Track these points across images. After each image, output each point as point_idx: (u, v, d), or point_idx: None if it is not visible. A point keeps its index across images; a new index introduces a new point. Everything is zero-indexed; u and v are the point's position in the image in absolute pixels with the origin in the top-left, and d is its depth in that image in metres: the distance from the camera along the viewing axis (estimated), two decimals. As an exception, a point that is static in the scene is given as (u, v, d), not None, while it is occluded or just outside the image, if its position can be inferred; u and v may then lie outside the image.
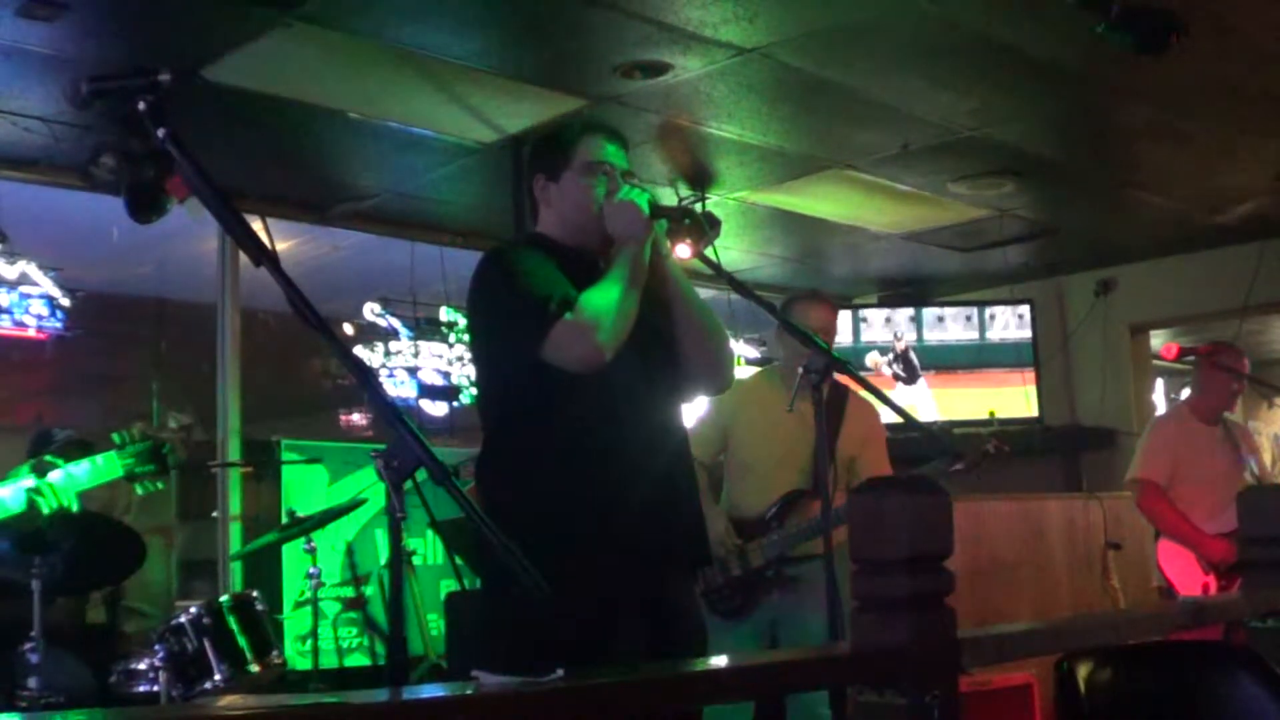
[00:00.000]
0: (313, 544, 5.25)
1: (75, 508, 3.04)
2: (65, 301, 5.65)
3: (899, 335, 7.06)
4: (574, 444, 2.52)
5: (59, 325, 5.65)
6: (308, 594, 5.29)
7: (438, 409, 7.04)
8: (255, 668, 4.15)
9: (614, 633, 2.41)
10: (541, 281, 2.50)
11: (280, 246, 1.85)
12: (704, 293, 2.90)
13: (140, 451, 3.10)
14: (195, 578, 6.81)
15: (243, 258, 1.85)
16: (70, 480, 2.99)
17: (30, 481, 2.94)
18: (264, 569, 5.95)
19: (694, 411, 4.23)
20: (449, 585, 6.18)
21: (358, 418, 8.35)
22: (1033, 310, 7.30)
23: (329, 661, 5.85)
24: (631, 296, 2.49)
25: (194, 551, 7.05)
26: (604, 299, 2.46)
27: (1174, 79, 4.67)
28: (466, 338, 6.09)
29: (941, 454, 4.04)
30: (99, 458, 3.06)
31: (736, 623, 4.00)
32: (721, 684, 1.67)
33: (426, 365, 7.00)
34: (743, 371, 7.85)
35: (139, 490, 3.18)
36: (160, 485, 3.16)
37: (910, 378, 6.99)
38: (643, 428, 2.57)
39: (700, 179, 5.76)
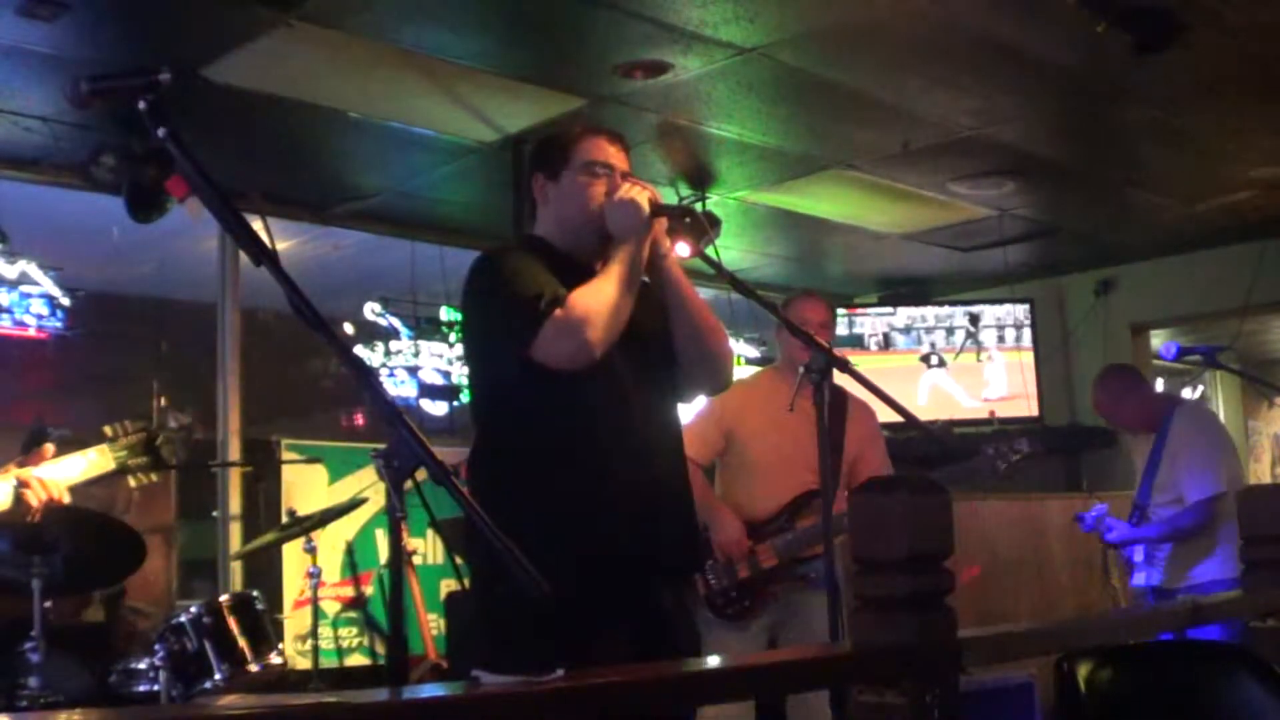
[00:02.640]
0: (313, 544, 5.25)
1: (65, 501, 3.02)
2: (65, 301, 5.65)
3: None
4: (565, 446, 2.52)
5: (59, 325, 5.65)
6: (308, 594, 5.29)
7: (438, 408, 7.05)
8: (255, 667, 4.15)
9: (598, 636, 2.40)
10: (532, 280, 2.50)
11: (280, 246, 1.85)
12: (704, 292, 2.90)
13: (133, 444, 3.09)
14: (195, 578, 6.81)
15: (243, 257, 1.85)
16: (59, 474, 2.98)
17: (16, 475, 2.92)
18: (264, 569, 5.95)
19: (691, 412, 4.23)
20: (449, 585, 6.18)
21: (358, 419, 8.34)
22: (1033, 310, 7.29)
23: (329, 661, 5.86)
24: (624, 295, 2.49)
25: (194, 551, 7.04)
26: (595, 296, 2.46)
27: (1174, 79, 4.67)
28: (462, 337, 6.08)
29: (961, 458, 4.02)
30: (91, 451, 3.05)
31: (742, 625, 3.99)
32: (722, 684, 1.67)
33: (427, 365, 7.00)
34: (742, 371, 7.88)
35: (132, 483, 3.16)
36: (154, 478, 3.14)
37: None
38: (636, 430, 2.56)
39: (700, 179, 5.76)
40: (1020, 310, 7.31)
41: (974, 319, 7.24)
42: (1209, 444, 4.59)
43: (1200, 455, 4.57)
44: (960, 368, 7.21)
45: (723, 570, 3.96)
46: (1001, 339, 7.28)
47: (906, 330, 7.27)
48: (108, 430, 3.10)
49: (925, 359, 7.19)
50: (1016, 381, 7.21)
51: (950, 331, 7.26)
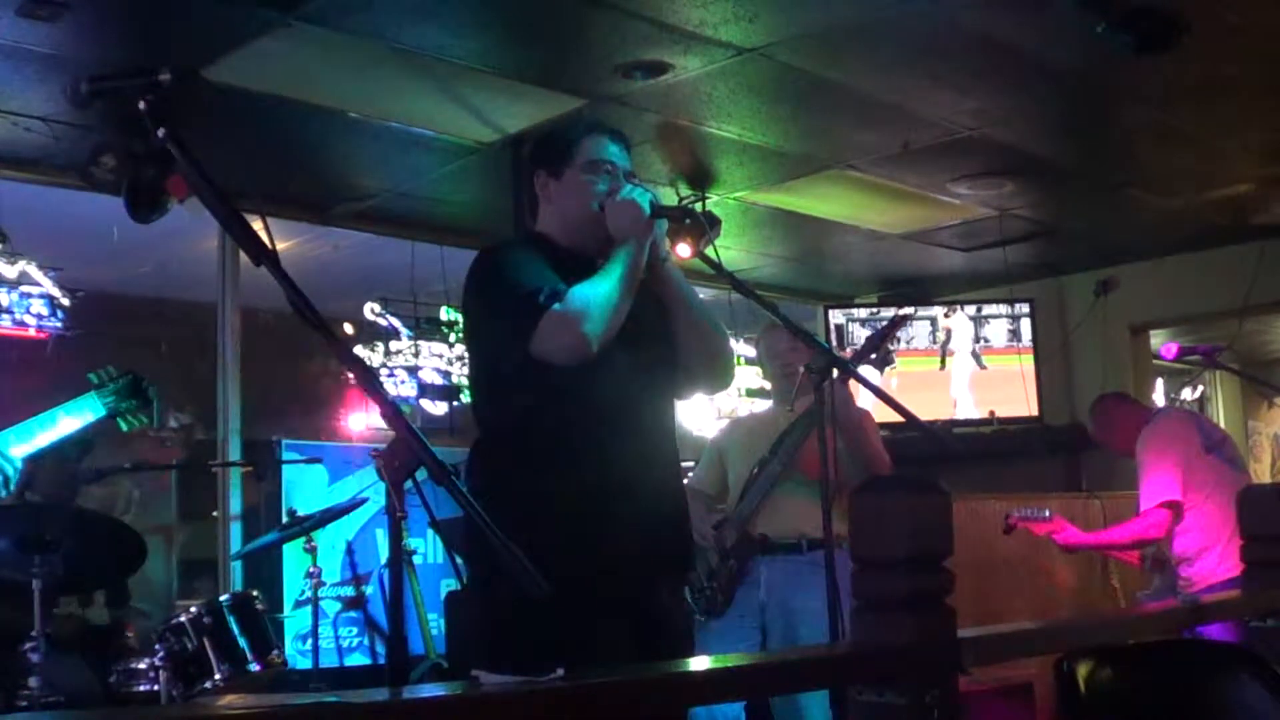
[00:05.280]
0: (313, 544, 5.25)
1: (18, 464, 2.98)
2: (65, 301, 5.65)
3: None
4: (564, 443, 2.52)
5: (59, 325, 5.65)
6: (308, 594, 5.29)
7: (438, 408, 7.05)
8: (255, 667, 4.15)
9: (597, 635, 2.40)
10: (531, 276, 2.50)
11: (280, 246, 1.85)
12: (704, 292, 2.92)
13: (120, 388, 3.07)
14: (195, 578, 6.81)
15: (243, 257, 1.85)
16: (25, 431, 2.95)
17: None
18: (264, 569, 5.95)
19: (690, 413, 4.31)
20: (449, 585, 6.19)
21: (358, 420, 8.33)
22: (1032, 310, 7.29)
23: (329, 661, 5.86)
24: (623, 292, 2.49)
25: (194, 551, 7.05)
26: (594, 291, 2.46)
27: (1174, 79, 4.67)
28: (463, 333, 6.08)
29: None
30: (81, 401, 3.02)
31: (724, 620, 4.03)
32: (721, 684, 1.67)
33: (427, 365, 7.00)
34: (742, 371, 7.89)
35: (124, 426, 3.13)
36: (144, 420, 3.11)
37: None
38: (635, 428, 2.57)
39: (700, 179, 5.76)
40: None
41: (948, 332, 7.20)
42: (1159, 452, 4.61)
43: (1148, 465, 4.61)
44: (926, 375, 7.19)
45: (700, 567, 4.02)
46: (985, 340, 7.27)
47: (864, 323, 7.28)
48: (93, 378, 3.07)
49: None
50: (988, 382, 7.19)
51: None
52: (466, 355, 3.02)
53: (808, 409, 3.89)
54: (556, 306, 2.43)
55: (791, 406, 3.94)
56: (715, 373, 2.75)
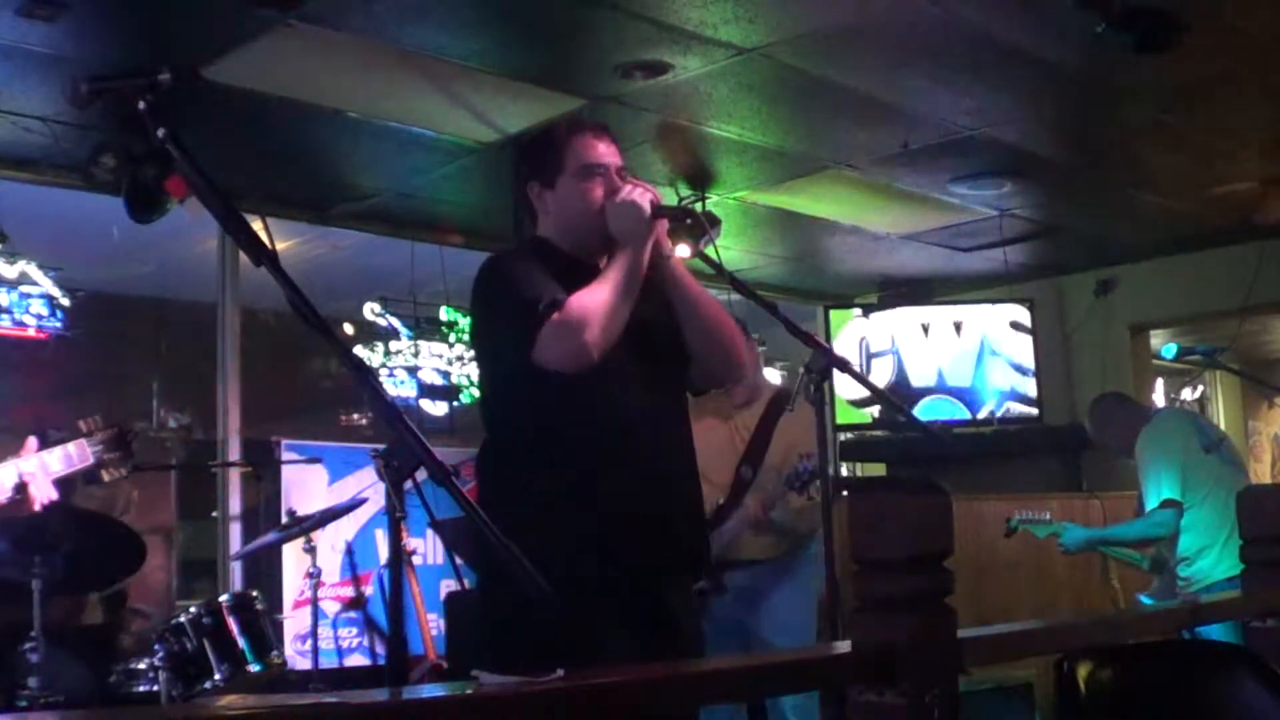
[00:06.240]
0: (313, 544, 5.25)
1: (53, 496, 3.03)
2: (65, 301, 5.65)
3: None
4: (570, 447, 2.52)
5: (59, 325, 5.65)
6: (308, 594, 5.29)
7: (438, 408, 7.04)
8: (255, 668, 4.15)
9: (602, 636, 2.40)
10: (532, 285, 2.50)
11: (280, 246, 1.85)
12: (704, 292, 2.90)
13: (107, 439, 3.11)
14: (195, 578, 6.81)
15: (243, 257, 1.85)
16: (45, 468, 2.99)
17: (20, 470, 2.94)
18: (264, 569, 5.95)
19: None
20: (449, 585, 6.18)
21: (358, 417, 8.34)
22: (1032, 310, 7.29)
23: (329, 661, 5.86)
24: (622, 298, 2.49)
25: (194, 551, 7.04)
26: (592, 299, 2.47)
27: (1174, 79, 4.67)
28: (469, 341, 6.08)
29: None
30: (70, 446, 3.06)
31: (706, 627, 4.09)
32: (721, 684, 1.67)
33: (426, 365, 7.00)
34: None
35: (105, 477, 3.17)
36: (124, 472, 3.16)
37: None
38: (643, 428, 2.56)
39: (700, 179, 5.76)
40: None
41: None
42: (1157, 453, 4.63)
43: (1147, 466, 4.63)
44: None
45: None
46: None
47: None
48: (82, 425, 3.12)
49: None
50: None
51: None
52: (475, 360, 3.04)
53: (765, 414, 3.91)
54: (556, 316, 2.43)
55: (792, 406, 3.95)
56: (727, 366, 2.75)
